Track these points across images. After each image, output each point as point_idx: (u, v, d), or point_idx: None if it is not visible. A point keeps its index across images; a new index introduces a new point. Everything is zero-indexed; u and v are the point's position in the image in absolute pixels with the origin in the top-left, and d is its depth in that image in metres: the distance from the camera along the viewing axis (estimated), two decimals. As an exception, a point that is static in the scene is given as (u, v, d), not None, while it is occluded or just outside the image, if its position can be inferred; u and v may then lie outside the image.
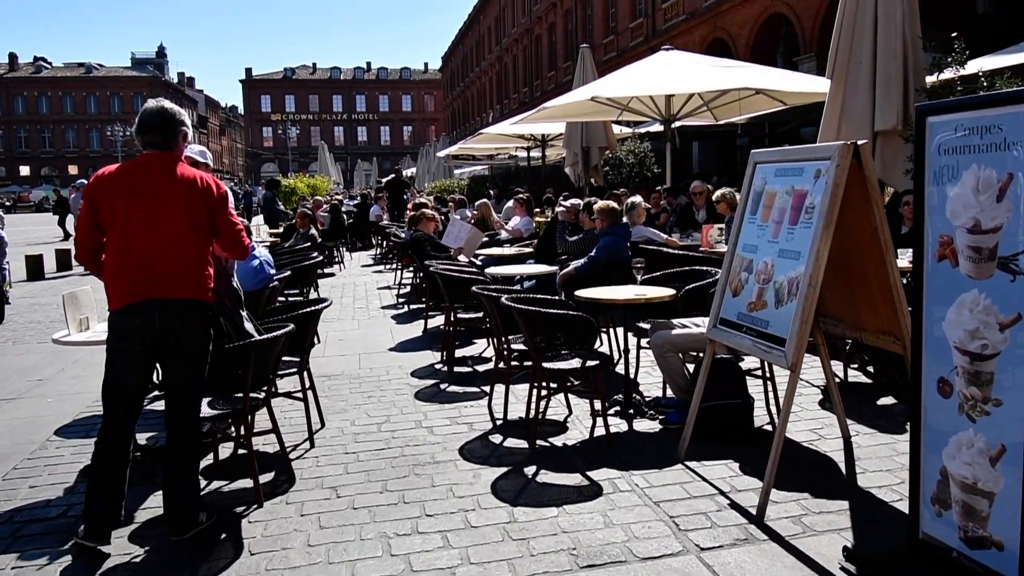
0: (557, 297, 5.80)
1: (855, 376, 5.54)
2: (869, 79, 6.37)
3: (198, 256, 3.28)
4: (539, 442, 4.34)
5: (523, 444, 4.35)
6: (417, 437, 4.53)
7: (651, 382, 5.50)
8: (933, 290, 2.74)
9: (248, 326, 3.71)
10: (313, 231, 11.43)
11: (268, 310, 5.06)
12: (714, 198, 8.07)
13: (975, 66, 6.60)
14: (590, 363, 4.32)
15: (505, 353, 4.71)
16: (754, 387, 4.54)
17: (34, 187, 61.51)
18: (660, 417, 4.63)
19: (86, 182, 3.70)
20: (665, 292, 4.78)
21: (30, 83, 76.37)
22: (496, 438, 4.49)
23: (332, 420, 4.87)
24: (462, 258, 8.06)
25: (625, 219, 6.67)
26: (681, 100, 9.73)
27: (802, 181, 3.62)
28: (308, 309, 4.49)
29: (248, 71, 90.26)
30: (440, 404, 5.19)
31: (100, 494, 3.17)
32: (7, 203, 49.18)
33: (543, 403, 4.50)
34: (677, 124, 10.36)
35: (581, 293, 4.87)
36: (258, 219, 21.08)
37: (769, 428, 4.46)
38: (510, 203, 12.09)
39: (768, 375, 4.52)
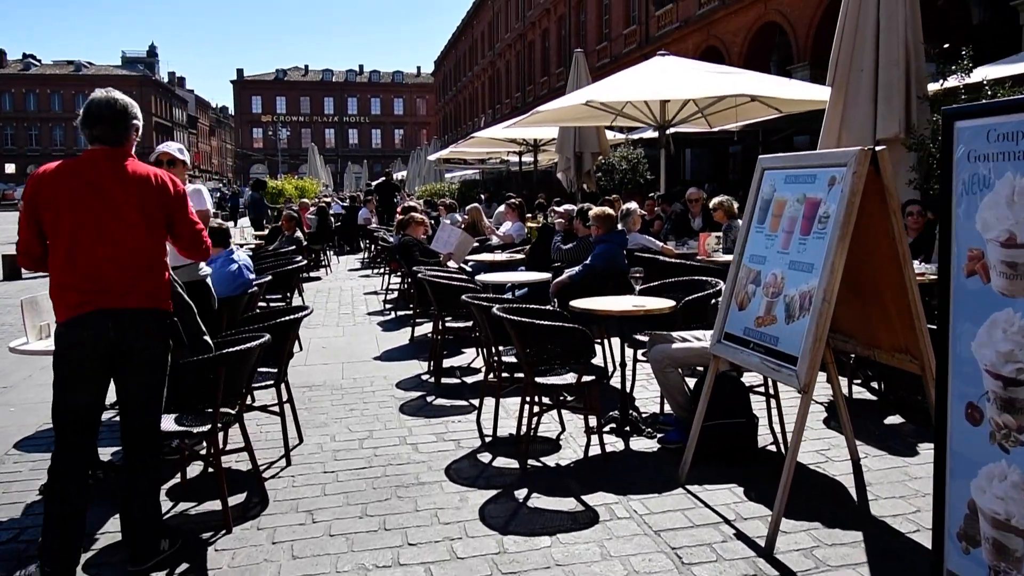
0: (551, 307, 5.57)
1: (859, 392, 5.32)
2: (871, 87, 6.20)
3: (153, 261, 3.01)
4: (531, 462, 4.10)
5: (514, 464, 4.10)
6: (401, 455, 4.27)
7: (648, 396, 5.27)
8: (960, 307, 2.52)
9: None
10: (299, 234, 11.17)
11: (246, 317, 4.80)
12: (711, 205, 7.88)
13: (979, 75, 6.44)
14: (586, 378, 4.09)
15: (495, 365, 4.47)
16: (756, 403, 4.31)
17: (19, 185, 60.78)
18: (658, 435, 4.40)
19: None
20: (664, 303, 4.55)
21: (18, 80, 75.87)
22: (485, 456, 4.24)
23: (311, 435, 4.61)
24: (452, 264, 7.81)
25: (620, 226, 6.46)
26: (676, 106, 9.56)
27: (815, 189, 3.41)
28: (287, 318, 4.21)
29: (239, 72, 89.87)
30: (426, 419, 4.93)
31: (56, 526, 2.88)
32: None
33: (535, 419, 4.25)
34: (672, 130, 10.18)
35: (576, 303, 4.64)
36: (244, 221, 20.76)
37: (773, 448, 4.23)
38: (501, 208, 11.86)
39: (772, 392, 4.29)
